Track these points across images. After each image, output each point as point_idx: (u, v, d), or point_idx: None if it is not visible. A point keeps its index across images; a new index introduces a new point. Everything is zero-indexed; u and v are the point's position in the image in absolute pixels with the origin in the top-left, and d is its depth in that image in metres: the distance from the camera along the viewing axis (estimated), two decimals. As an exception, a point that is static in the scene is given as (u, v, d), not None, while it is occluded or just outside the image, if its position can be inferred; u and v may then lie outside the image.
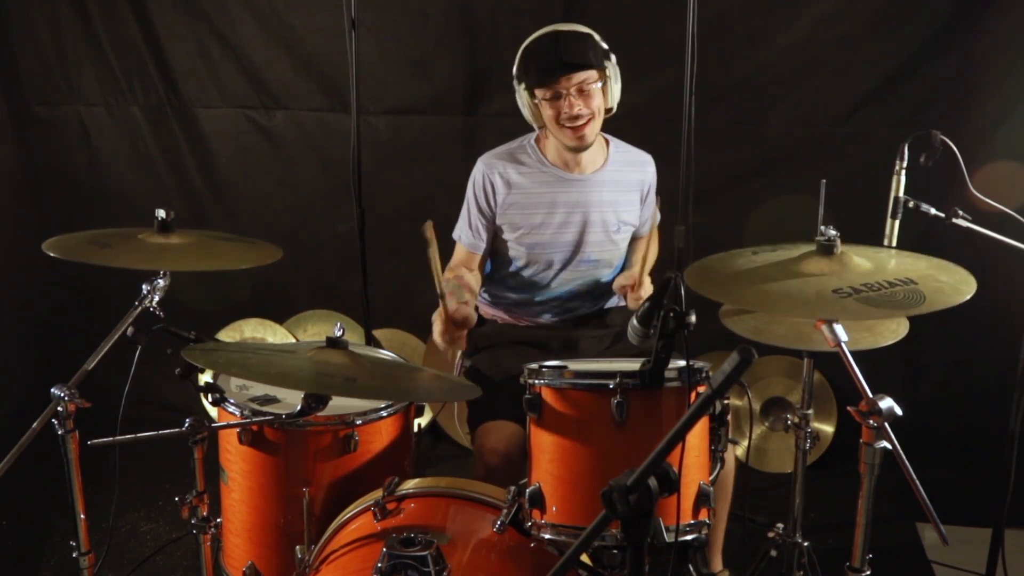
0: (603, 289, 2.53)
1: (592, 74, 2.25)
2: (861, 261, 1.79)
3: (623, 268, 2.57)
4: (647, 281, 2.35)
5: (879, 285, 1.70)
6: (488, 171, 2.40)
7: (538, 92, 2.27)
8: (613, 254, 2.49)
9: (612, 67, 2.30)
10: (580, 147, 2.33)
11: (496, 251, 2.49)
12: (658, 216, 2.62)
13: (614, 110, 2.37)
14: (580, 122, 2.27)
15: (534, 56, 2.28)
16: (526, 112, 2.36)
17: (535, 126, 2.40)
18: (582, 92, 2.24)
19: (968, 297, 1.67)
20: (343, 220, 3.29)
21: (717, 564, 2.46)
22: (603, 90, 2.29)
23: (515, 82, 2.34)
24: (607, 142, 2.48)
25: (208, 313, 3.61)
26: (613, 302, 2.58)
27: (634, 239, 2.58)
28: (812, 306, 1.70)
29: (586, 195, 2.41)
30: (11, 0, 3.51)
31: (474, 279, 2.39)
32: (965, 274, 1.77)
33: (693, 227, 2.85)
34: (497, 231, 2.44)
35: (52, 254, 1.98)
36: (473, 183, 2.43)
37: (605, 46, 2.30)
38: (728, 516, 2.40)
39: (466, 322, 2.19)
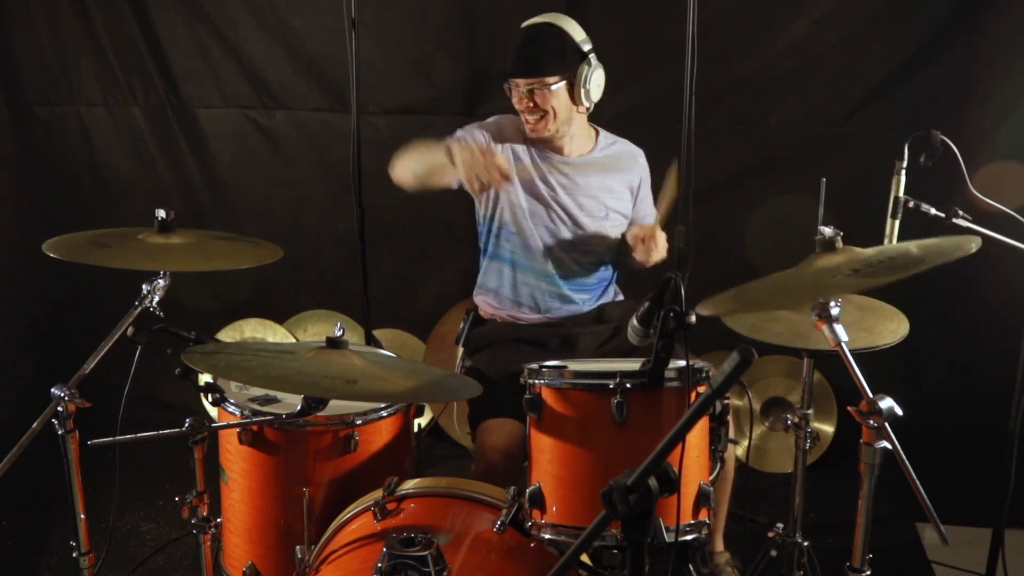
0: (594, 278, 2.53)
1: (544, 80, 2.32)
2: (862, 249, 1.76)
3: (616, 261, 2.58)
4: (661, 236, 2.39)
5: (877, 262, 1.67)
6: (483, 132, 2.47)
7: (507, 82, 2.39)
8: (601, 244, 2.49)
9: (587, 68, 2.34)
10: (536, 138, 2.42)
11: (484, 241, 2.53)
12: (655, 212, 2.62)
13: (591, 109, 2.42)
14: (532, 116, 2.36)
15: (511, 49, 2.36)
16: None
17: None
18: (533, 92, 2.33)
19: (971, 251, 1.59)
20: (343, 220, 3.29)
21: (719, 545, 2.47)
22: (569, 91, 2.35)
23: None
24: (596, 132, 2.53)
25: (208, 313, 3.61)
26: (609, 296, 2.58)
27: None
28: (809, 292, 1.67)
29: (571, 176, 2.44)
30: (11, 0, 3.51)
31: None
32: (967, 239, 1.68)
33: (693, 227, 2.85)
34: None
35: (52, 255, 1.98)
36: (472, 133, 2.47)
37: (585, 48, 2.34)
38: (728, 516, 2.41)
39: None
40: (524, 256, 2.47)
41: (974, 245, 1.61)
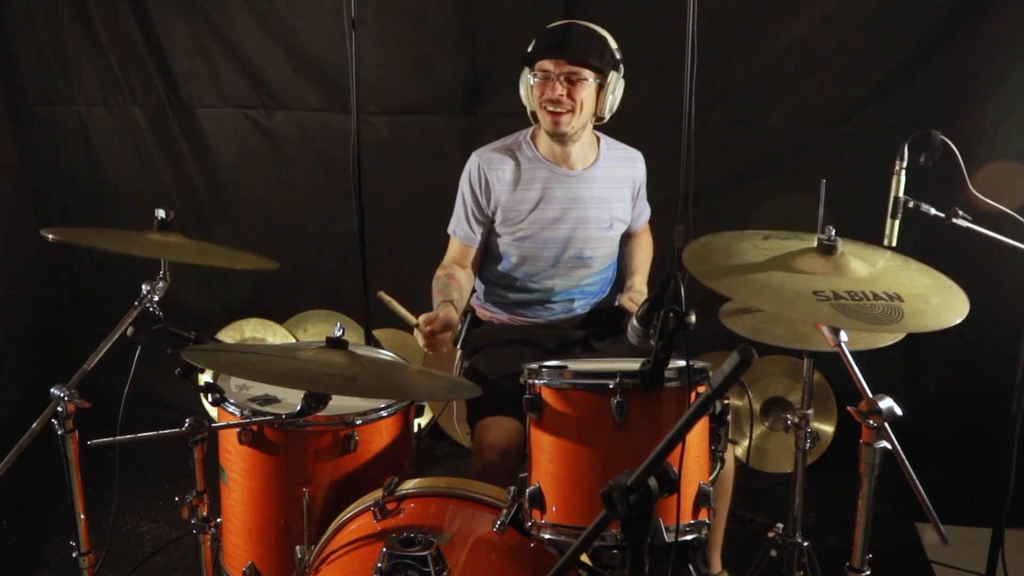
0: (597, 286, 2.53)
1: (586, 71, 2.26)
2: (859, 267, 1.75)
3: (619, 270, 2.59)
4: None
5: (862, 295, 1.65)
6: (483, 165, 2.41)
7: (534, 69, 2.29)
8: (605, 251, 2.49)
9: (615, 77, 2.30)
10: (554, 132, 2.33)
11: (489, 249, 2.49)
12: (648, 210, 2.62)
13: (605, 119, 2.38)
14: (559, 108, 2.27)
15: (544, 37, 2.30)
16: (523, 94, 2.36)
17: (529, 111, 2.39)
18: (570, 81, 2.25)
19: (952, 324, 1.62)
20: (343, 220, 3.29)
21: (716, 565, 2.46)
22: (597, 93, 2.30)
23: (523, 63, 2.35)
24: (598, 140, 2.49)
25: (208, 313, 3.61)
26: (607, 298, 2.58)
27: (627, 236, 2.59)
28: (787, 303, 1.65)
29: (578, 191, 2.41)
30: (11, 0, 3.51)
31: (466, 276, 2.42)
32: (961, 299, 1.72)
33: (693, 227, 2.85)
34: (491, 227, 2.45)
35: (51, 237, 1.91)
36: (468, 177, 2.43)
37: (618, 56, 2.31)
38: (728, 516, 2.41)
39: (448, 325, 2.20)
40: (527, 272, 2.45)
41: (958, 318, 1.62)
